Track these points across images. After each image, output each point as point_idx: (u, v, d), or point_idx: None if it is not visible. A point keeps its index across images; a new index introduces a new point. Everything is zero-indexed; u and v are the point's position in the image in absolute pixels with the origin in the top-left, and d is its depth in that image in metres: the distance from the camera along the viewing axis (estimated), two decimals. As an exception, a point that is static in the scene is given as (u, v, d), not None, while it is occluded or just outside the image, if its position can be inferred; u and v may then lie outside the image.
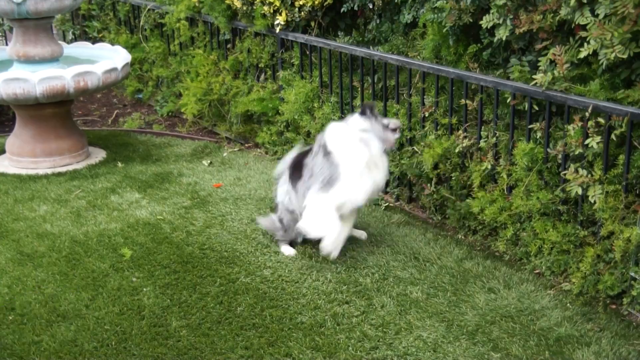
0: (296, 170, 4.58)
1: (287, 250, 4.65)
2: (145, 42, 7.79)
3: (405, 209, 5.28)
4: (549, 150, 4.18)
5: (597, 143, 3.85)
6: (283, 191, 4.66)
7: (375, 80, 5.36)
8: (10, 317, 4.00)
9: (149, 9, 7.59)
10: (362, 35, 5.64)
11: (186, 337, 3.80)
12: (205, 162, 6.23)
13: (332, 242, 4.37)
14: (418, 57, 5.09)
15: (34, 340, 3.80)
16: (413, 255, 4.57)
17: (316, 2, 5.60)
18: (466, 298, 4.11)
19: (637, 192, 3.83)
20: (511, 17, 4.20)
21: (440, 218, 5.02)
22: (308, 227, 4.41)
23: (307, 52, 5.87)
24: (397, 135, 4.52)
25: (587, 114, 3.89)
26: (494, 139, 4.54)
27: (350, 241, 4.76)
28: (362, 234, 4.81)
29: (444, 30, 4.67)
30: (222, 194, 5.54)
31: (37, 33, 6.08)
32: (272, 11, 5.88)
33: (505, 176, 4.46)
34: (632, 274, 3.77)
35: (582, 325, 3.85)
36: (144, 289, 4.24)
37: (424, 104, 4.99)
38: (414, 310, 4.01)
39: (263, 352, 3.68)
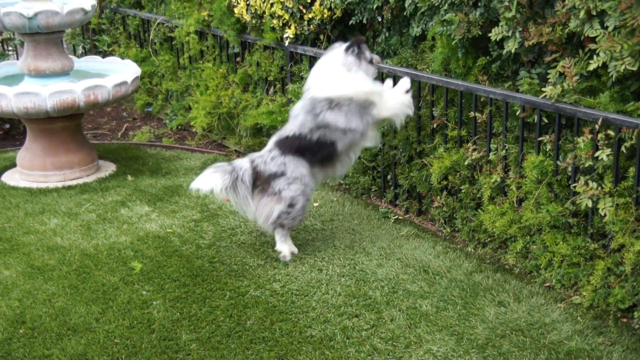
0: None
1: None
2: (155, 55, 7.82)
3: (415, 221, 5.27)
4: (558, 162, 4.17)
5: (607, 155, 3.84)
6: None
7: (384, 93, 5.36)
8: (21, 331, 4.01)
9: (158, 23, 7.64)
10: (371, 48, 5.65)
11: (196, 351, 3.80)
12: (215, 175, 6.24)
13: None
14: (427, 69, 5.10)
15: (44, 354, 3.80)
16: (422, 268, 4.56)
17: (325, 16, 5.62)
18: (476, 311, 4.10)
19: (648, 204, 3.82)
20: (520, 29, 4.20)
21: (449, 231, 5.01)
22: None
23: (316, 65, 5.88)
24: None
25: (597, 127, 3.88)
26: (504, 151, 4.54)
27: (360, 254, 4.76)
28: None
29: (453, 43, 4.68)
30: (231, 207, 5.53)
31: (47, 47, 6.12)
32: (281, 24, 5.91)
33: (514, 189, 4.45)
34: (644, 287, 3.76)
35: (593, 339, 3.83)
36: (154, 303, 4.25)
37: (433, 116, 5.00)
38: (424, 323, 4.00)
39: (273, 365, 3.68)
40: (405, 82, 4.86)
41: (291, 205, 4.64)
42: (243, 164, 4.68)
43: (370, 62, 4.74)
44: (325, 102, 4.63)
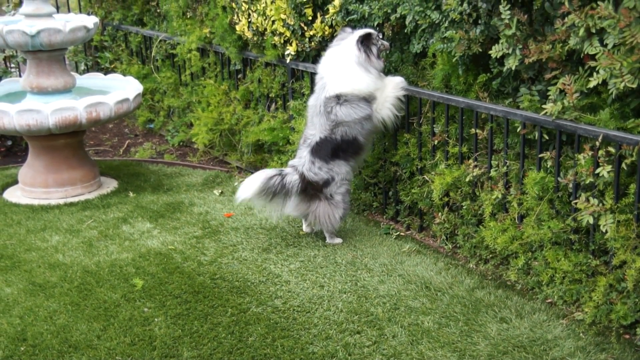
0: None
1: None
2: (157, 72, 7.85)
3: (416, 238, 5.27)
4: (559, 179, 4.18)
5: (608, 172, 3.85)
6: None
7: (386, 110, 5.38)
8: (22, 348, 4.00)
9: (160, 40, 7.67)
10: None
11: (197, 368, 3.79)
12: (217, 192, 6.26)
13: None
14: (428, 86, 5.12)
15: (45, 371, 3.80)
16: (424, 284, 4.56)
17: (326, 33, 5.65)
18: (478, 328, 4.09)
19: (649, 221, 3.82)
20: (520, 47, 4.22)
21: (451, 247, 5.01)
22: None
23: (318, 82, 5.90)
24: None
25: (597, 143, 3.89)
26: (505, 168, 4.55)
27: (362, 270, 4.76)
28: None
29: (454, 59, 4.70)
30: (233, 223, 5.55)
31: (50, 64, 6.15)
32: (282, 41, 5.94)
33: (516, 205, 4.46)
34: (645, 303, 3.75)
35: (596, 355, 3.82)
36: (156, 319, 4.24)
37: (434, 133, 5.01)
38: (426, 340, 3.99)
39: (274, 383, 3.67)
40: (399, 81, 5.12)
41: (345, 208, 5.16)
42: (292, 177, 5.05)
43: (378, 56, 5.03)
44: (334, 99, 5.00)
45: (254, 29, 6.13)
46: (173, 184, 6.49)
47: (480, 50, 4.49)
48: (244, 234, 5.35)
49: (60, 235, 5.41)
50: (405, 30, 5.08)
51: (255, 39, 6.20)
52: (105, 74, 7.25)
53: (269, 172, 5.03)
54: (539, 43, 4.17)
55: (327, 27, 5.63)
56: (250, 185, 4.97)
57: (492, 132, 4.61)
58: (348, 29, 5.14)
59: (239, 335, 4.07)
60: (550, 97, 4.16)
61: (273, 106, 6.47)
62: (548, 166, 4.28)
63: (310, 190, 5.05)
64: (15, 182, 6.53)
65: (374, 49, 4.99)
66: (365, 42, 4.95)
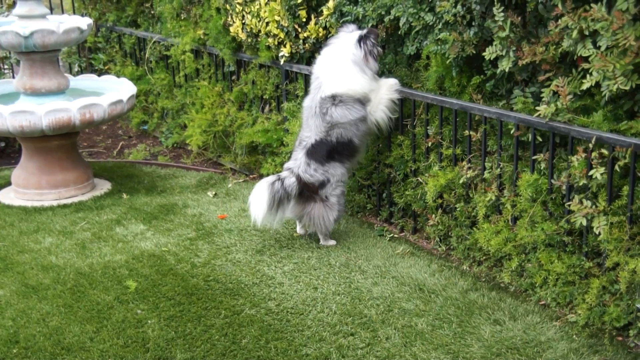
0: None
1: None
2: (151, 74, 7.84)
3: (410, 239, 5.27)
4: (553, 181, 4.19)
5: (601, 174, 3.86)
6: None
7: (379, 112, 5.38)
8: (15, 350, 3.99)
9: (154, 42, 7.66)
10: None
11: (191, 370, 3.79)
12: (210, 194, 6.25)
13: None
14: (422, 88, 5.12)
15: (38, 373, 3.79)
16: (418, 286, 4.56)
17: (320, 34, 5.65)
18: (472, 330, 4.09)
19: (642, 223, 3.83)
20: (514, 49, 4.23)
21: (445, 249, 5.02)
22: None
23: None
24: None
25: (590, 145, 3.90)
26: (498, 170, 4.55)
27: (355, 272, 4.76)
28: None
29: (448, 61, 4.70)
30: (227, 225, 5.54)
31: (43, 66, 6.13)
32: (276, 43, 5.93)
33: (509, 207, 4.46)
34: (638, 305, 3.75)
35: (589, 357, 3.83)
36: (149, 321, 4.23)
37: (427, 135, 5.01)
38: (420, 342, 3.99)
39: (268, 385, 3.66)
40: (393, 83, 5.12)
41: (339, 210, 5.16)
42: (290, 180, 5.03)
43: (375, 58, 5.04)
44: (329, 99, 4.99)
45: (248, 30, 6.13)
46: (167, 185, 6.48)
47: (474, 52, 4.50)
48: (237, 236, 5.34)
49: (53, 237, 5.39)
50: (399, 32, 5.08)
51: (249, 40, 6.19)
52: (99, 75, 7.24)
53: (269, 179, 5.01)
54: (532, 45, 4.17)
55: (321, 29, 5.63)
56: (259, 199, 4.92)
57: (485, 134, 4.61)
58: (351, 26, 5.13)
59: (233, 337, 4.06)
60: (543, 99, 4.16)
61: (267, 108, 6.46)
62: (541, 168, 4.29)
63: (306, 192, 5.05)
64: (9, 183, 6.51)
65: (375, 50, 4.98)
66: (366, 41, 4.96)
